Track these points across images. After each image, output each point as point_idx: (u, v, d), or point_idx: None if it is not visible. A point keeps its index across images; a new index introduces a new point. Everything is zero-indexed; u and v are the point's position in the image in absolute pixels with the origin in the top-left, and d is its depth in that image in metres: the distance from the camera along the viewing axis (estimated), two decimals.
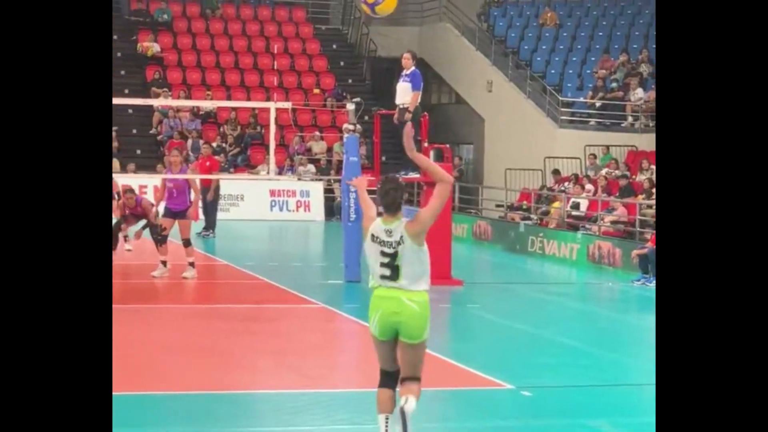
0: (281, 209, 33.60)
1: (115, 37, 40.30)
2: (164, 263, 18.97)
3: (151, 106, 36.62)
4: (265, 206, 33.57)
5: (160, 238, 19.07)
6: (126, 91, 37.44)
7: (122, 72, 39.12)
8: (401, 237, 8.24)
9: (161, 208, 19.82)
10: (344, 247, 19.27)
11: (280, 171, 33.59)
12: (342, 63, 41.73)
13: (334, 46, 42.39)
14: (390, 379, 8.35)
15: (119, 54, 39.78)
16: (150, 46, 39.45)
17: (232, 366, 12.03)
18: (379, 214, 8.40)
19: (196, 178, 22.12)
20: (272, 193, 33.63)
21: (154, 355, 12.54)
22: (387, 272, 8.23)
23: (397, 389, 8.35)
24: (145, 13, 41.20)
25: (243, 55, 40.62)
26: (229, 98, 38.00)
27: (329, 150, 36.21)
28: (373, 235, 8.27)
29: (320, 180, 34.34)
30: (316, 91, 39.35)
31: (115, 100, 35.08)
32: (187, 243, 18.93)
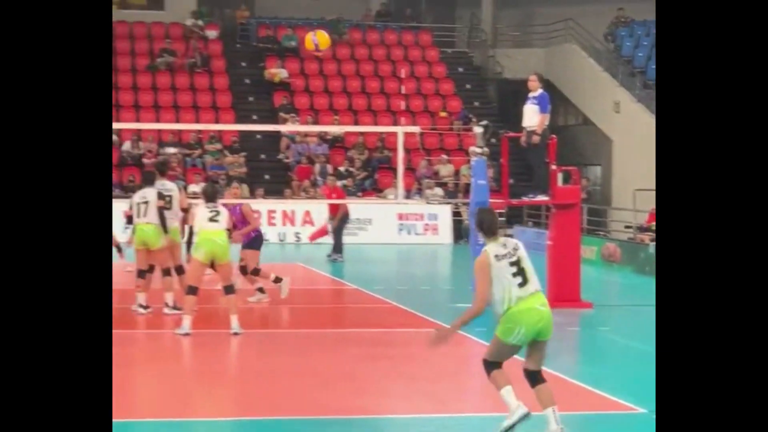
0: (409, 233, 33.70)
1: (243, 64, 40.97)
2: (261, 290, 18.85)
3: (279, 132, 37.03)
4: (393, 230, 33.70)
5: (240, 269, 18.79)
6: (254, 117, 37.99)
7: (250, 98, 39.70)
8: (515, 244, 9.46)
9: None
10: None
11: (408, 194, 33.69)
12: (468, 86, 41.76)
13: (461, 69, 42.44)
14: (531, 379, 9.40)
15: (248, 80, 40.39)
16: (277, 72, 39.91)
17: (364, 390, 12.08)
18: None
19: (323, 203, 22.07)
20: (400, 216, 33.74)
21: (286, 380, 12.64)
22: (520, 279, 9.20)
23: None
24: (272, 39, 41.70)
25: (370, 79, 40.87)
26: (356, 123, 38.26)
27: (456, 173, 36.22)
28: (496, 256, 9.23)
29: (448, 203, 34.34)
30: (443, 114, 39.42)
31: (244, 126, 35.93)
32: (254, 272, 18.67)
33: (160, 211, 17.13)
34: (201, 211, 15.72)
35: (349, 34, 42.77)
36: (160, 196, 17.22)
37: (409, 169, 35.55)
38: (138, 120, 36.84)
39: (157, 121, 37.10)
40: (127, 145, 36.25)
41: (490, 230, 9.45)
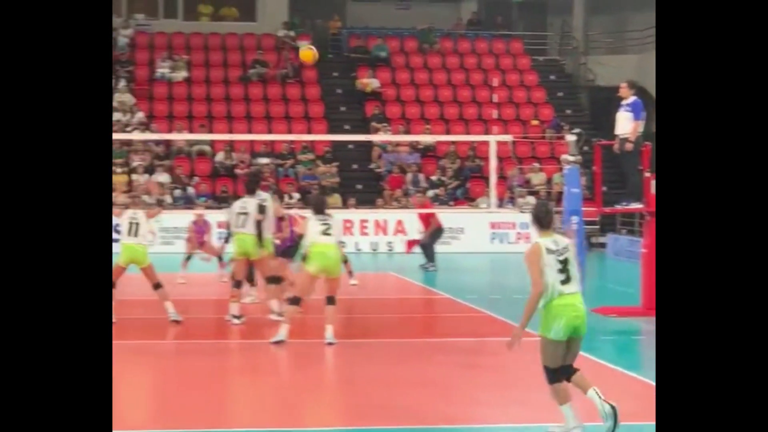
0: (501, 241, 33.56)
1: (335, 74, 41.13)
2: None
3: (370, 142, 37.11)
4: (485, 239, 33.59)
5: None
6: (346, 127, 38.11)
7: (342, 108, 39.83)
8: (567, 244, 9.87)
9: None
10: None
11: (500, 203, 33.55)
12: (560, 93, 41.52)
13: (552, 77, 42.23)
14: (566, 373, 9.83)
15: (339, 90, 40.54)
16: (369, 82, 40.01)
17: (456, 399, 12.03)
18: None
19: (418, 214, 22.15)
20: (492, 225, 33.62)
21: (376, 389, 12.64)
22: (563, 277, 9.67)
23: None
24: (363, 49, 41.83)
25: (461, 88, 40.82)
26: (447, 132, 38.23)
27: (549, 181, 36.02)
28: (547, 249, 9.71)
29: None
30: (535, 122, 39.24)
31: (336, 137, 36.09)
32: (272, 280, 18.06)
33: (258, 223, 17.18)
34: (312, 223, 15.49)
35: (441, 43, 42.77)
36: (260, 208, 17.21)
37: (501, 177, 35.43)
38: (231, 131, 37.15)
39: (250, 131, 37.38)
40: (220, 156, 36.56)
41: (543, 224, 10.02)
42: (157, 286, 17.21)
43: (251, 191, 17.54)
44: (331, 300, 15.41)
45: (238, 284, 17.34)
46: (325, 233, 15.30)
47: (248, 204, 17.28)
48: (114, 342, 12.72)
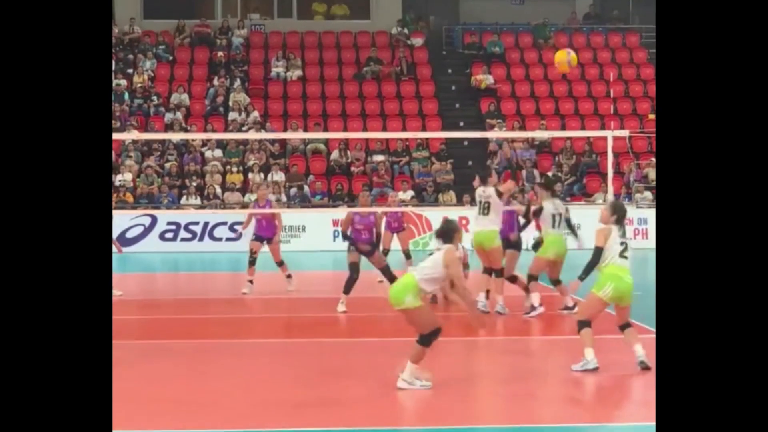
0: None
1: (449, 70, 41.09)
2: (251, 282, 21.42)
3: (486, 138, 36.97)
4: None
5: (251, 260, 21.36)
6: (461, 124, 38.03)
7: (457, 105, 39.75)
8: (626, 232, 13.30)
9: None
10: None
11: (617, 198, 33.12)
12: None
13: None
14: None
15: (453, 87, 40.46)
16: (483, 78, 39.85)
17: (550, 395, 11.88)
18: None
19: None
20: None
21: (471, 388, 12.53)
22: (623, 250, 12.96)
23: None
24: (478, 46, 41.69)
25: (576, 83, 40.45)
26: (563, 127, 37.93)
27: None
28: (618, 231, 13.25)
29: None
30: (651, 116, 38.74)
31: (450, 134, 35.99)
32: (279, 263, 21.70)
33: None
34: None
35: (555, 37, 42.44)
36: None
37: (618, 173, 35.03)
38: (345, 129, 37.28)
39: (365, 129, 37.49)
40: (335, 154, 36.70)
41: (620, 220, 13.33)
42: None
43: (484, 181, 19.16)
44: (532, 278, 18.49)
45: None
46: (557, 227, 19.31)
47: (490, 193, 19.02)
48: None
